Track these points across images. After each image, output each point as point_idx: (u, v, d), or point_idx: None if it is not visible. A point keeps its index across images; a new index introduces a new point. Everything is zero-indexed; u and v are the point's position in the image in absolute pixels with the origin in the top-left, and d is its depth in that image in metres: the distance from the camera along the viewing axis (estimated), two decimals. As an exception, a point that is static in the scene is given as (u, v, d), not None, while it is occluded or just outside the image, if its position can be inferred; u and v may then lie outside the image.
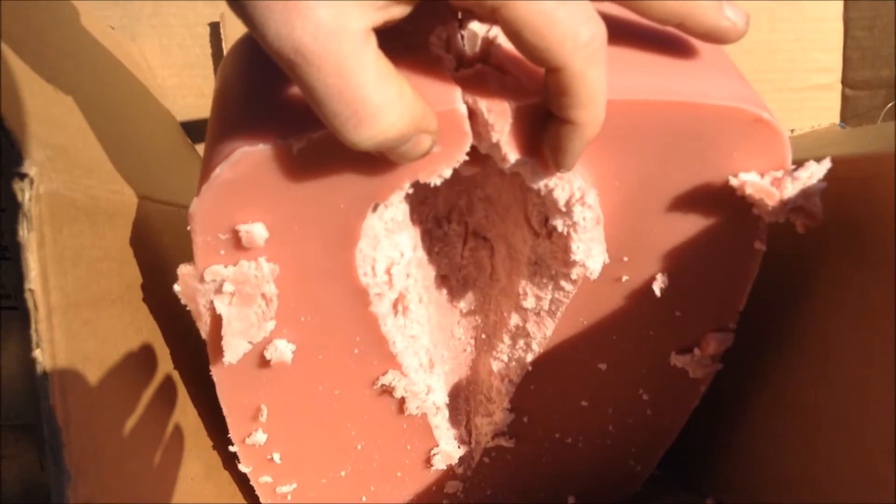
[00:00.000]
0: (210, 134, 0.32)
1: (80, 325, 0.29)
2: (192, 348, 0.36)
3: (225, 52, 0.57)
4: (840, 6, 0.58)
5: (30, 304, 0.27)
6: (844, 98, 0.59)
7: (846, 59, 0.59)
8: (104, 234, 0.33)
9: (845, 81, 0.59)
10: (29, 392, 0.55)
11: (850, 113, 0.59)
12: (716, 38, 0.28)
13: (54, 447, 0.26)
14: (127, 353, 0.34)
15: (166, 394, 0.37)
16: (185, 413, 0.39)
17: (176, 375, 0.39)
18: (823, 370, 0.36)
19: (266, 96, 0.29)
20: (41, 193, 0.27)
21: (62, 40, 0.41)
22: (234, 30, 0.58)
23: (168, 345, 0.39)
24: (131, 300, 0.35)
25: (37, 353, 0.26)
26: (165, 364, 0.38)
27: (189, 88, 0.61)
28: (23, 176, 0.27)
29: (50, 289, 0.28)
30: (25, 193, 0.27)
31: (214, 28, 0.60)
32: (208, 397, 0.38)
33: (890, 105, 0.56)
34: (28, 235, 0.27)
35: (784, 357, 0.40)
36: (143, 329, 0.36)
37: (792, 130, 0.60)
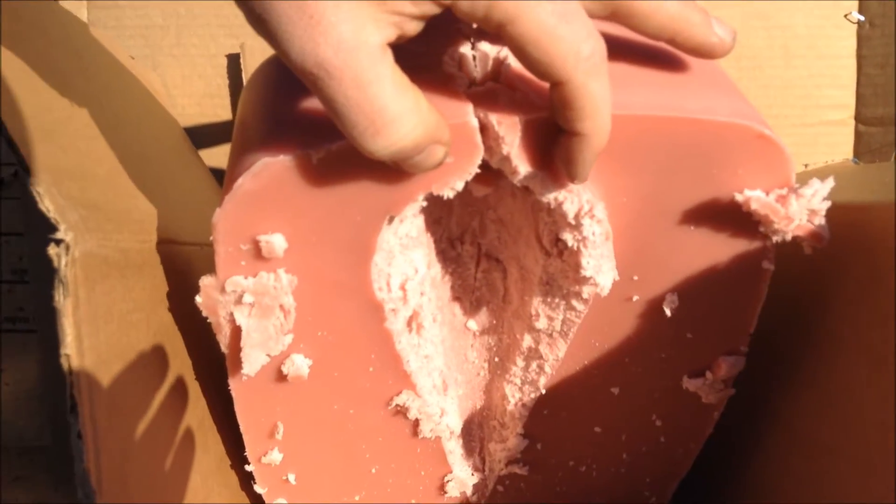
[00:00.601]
0: (233, 150, 0.33)
1: (111, 381, 0.30)
2: (223, 389, 0.37)
3: (244, 82, 0.59)
4: (853, 44, 0.58)
5: (65, 368, 0.27)
6: (858, 134, 0.60)
7: (859, 96, 0.59)
8: (133, 287, 0.34)
9: (859, 118, 0.59)
10: (44, 414, 0.56)
11: (864, 149, 0.59)
12: (705, 52, 0.29)
13: (88, 510, 0.27)
14: (156, 404, 0.35)
15: (193, 440, 0.38)
16: (208, 455, 0.39)
17: (205, 419, 0.40)
18: (842, 411, 0.36)
19: (286, 112, 0.31)
20: (76, 257, 0.28)
21: (87, 82, 0.42)
22: (253, 60, 0.59)
23: (199, 391, 0.40)
24: (158, 348, 0.35)
25: (71, 417, 0.27)
26: (196, 409, 0.39)
27: (210, 118, 0.63)
28: (58, 242, 0.28)
29: (84, 350, 0.28)
30: (62, 259, 0.28)
31: (232, 60, 0.62)
32: (235, 436, 0.39)
33: (903, 143, 0.57)
34: (64, 301, 0.27)
35: (802, 397, 0.39)
36: (171, 377, 0.37)
37: (806, 165, 0.60)
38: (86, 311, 0.29)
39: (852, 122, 0.60)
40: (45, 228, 0.28)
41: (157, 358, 0.35)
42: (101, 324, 0.30)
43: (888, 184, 0.38)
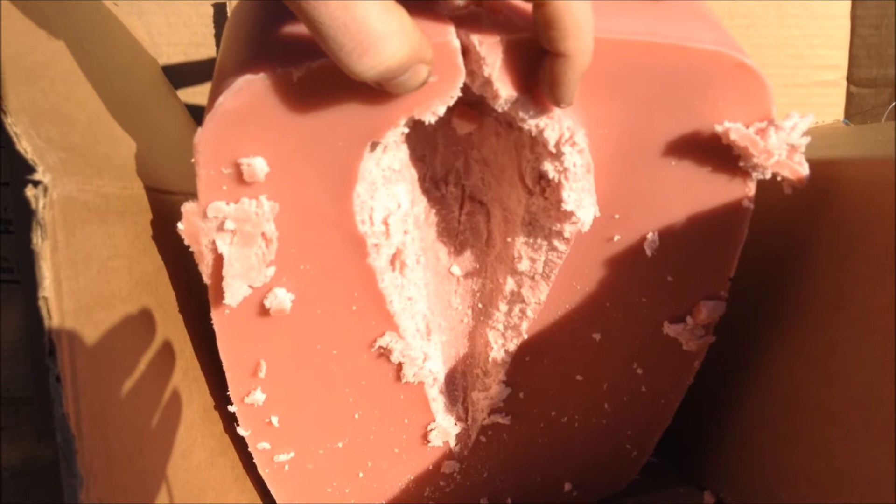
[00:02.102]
0: (215, 76, 0.33)
1: (92, 327, 0.30)
2: (207, 339, 0.37)
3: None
4: (848, 4, 0.58)
5: (43, 312, 0.27)
6: (849, 95, 0.60)
7: (852, 57, 0.59)
8: (114, 233, 0.34)
9: (851, 79, 0.59)
10: (29, 365, 0.56)
11: (855, 110, 0.59)
12: None
13: (67, 454, 0.27)
14: (138, 352, 0.34)
15: (177, 389, 0.38)
16: (192, 405, 0.39)
17: (189, 369, 0.40)
18: (826, 368, 0.36)
19: (268, 36, 0.31)
20: (55, 199, 0.28)
21: (70, 26, 0.41)
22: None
23: (182, 340, 0.39)
24: (140, 296, 0.35)
25: (49, 360, 0.27)
26: (180, 359, 0.39)
27: (194, 66, 0.62)
28: (36, 183, 0.27)
29: (63, 294, 0.28)
30: (39, 201, 0.27)
31: (218, 9, 0.61)
32: (220, 386, 0.39)
33: (893, 104, 0.57)
34: (42, 244, 0.27)
35: (787, 354, 0.40)
36: (154, 325, 0.36)
37: (796, 125, 0.61)
38: (65, 254, 0.28)
39: (844, 83, 0.60)
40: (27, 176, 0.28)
41: (139, 306, 0.35)
42: (80, 268, 0.30)
43: (886, 141, 0.38)
